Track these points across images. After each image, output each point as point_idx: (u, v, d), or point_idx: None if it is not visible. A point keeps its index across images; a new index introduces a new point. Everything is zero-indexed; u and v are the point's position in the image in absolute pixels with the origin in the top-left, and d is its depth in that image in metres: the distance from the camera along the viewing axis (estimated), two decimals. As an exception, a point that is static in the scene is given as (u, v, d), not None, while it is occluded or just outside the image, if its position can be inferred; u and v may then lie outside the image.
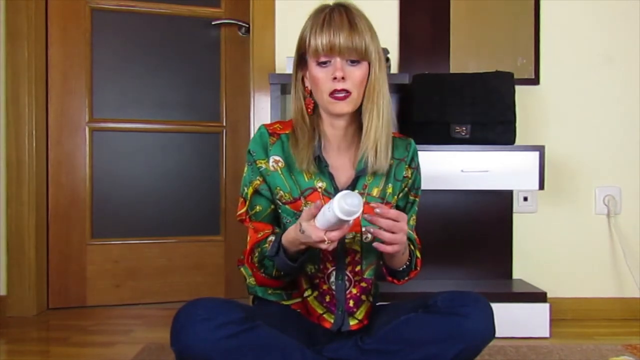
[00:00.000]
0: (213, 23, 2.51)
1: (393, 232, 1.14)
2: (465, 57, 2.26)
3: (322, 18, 1.25)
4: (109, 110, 2.45)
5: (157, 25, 2.48)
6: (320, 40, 1.23)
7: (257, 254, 1.28)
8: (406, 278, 1.36)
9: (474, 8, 2.27)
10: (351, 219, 1.07)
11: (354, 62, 1.25)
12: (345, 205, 1.05)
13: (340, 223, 1.09)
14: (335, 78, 1.24)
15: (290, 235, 1.20)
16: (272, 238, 1.27)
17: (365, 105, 1.30)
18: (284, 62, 2.17)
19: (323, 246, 1.13)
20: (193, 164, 2.54)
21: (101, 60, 2.43)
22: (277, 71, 2.23)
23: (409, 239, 1.33)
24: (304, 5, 2.16)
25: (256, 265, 1.29)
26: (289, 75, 1.96)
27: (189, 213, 2.54)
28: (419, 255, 1.38)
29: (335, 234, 1.11)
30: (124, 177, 2.47)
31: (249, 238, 1.33)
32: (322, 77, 1.26)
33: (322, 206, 1.12)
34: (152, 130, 2.49)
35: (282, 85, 2.03)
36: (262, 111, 2.24)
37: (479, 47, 2.28)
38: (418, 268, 1.38)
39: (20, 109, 2.26)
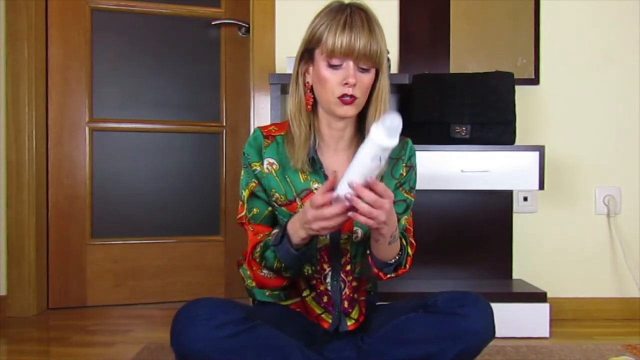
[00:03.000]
0: (213, 23, 2.51)
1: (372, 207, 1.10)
2: (465, 57, 2.26)
3: (344, 19, 1.22)
4: (109, 110, 2.45)
5: (157, 25, 2.48)
6: (340, 41, 1.21)
7: (258, 249, 1.28)
8: (392, 274, 1.30)
9: (474, 8, 2.27)
10: (393, 141, 1.05)
11: (364, 69, 1.24)
12: (384, 127, 1.03)
13: (375, 160, 1.06)
14: (347, 83, 1.22)
15: (294, 218, 1.20)
16: (276, 230, 1.27)
17: (371, 112, 1.29)
18: (284, 62, 2.17)
19: (327, 217, 1.09)
20: (193, 164, 2.54)
21: (101, 61, 2.43)
22: (277, 71, 2.23)
23: (401, 234, 1.31)
24: (304, 5, 2.17)
25: (257, 260, 1.27)
26: (289, 75, 1.96)
27: (189, 213, 2.54)
28: (410, 252, 1.34)
29: (319, 201, 1.09)
30: (124, 177, 2.47)
31: (248, 241, 1.33)
32: (332, 79, 1.23)
33: (334, 176, 1.10)
34: (152, 130, 2.49)
35: (282, 85, 2.03)
36: (262, 111, 2.24)
37: (479, 47, 2.28)
38: (407, 266, 1.33)
39: (20, 109, 2.26)
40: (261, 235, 1.30)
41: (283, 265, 1.24)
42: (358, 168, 1.08)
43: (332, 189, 1.11)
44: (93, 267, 2.43)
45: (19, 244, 2.26)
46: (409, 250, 1.34)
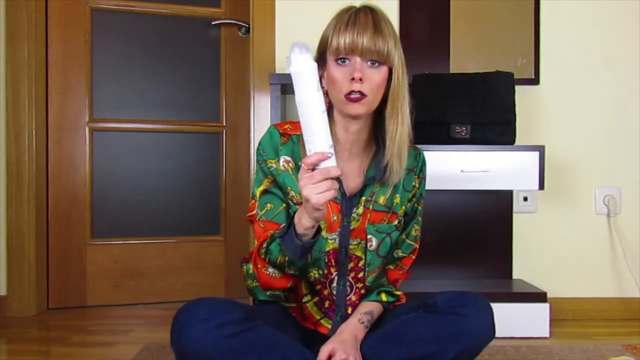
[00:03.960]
0: (213, 23, 2.51)
1: None
2: (465, 57, 2.26)
3: (347, 17, 1.23)
4: (109, 110, 2.45)
5: (157, 25, 2.48)
6: (343, 39, 1.21)
7: (264, 245, 1.23)
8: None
9: (474, 8, 2.27)
10: (304, 66, 1.02)
11: (374, 64, 1.23)
12: (298, 51, 1.02)
13: (308, 103, 1.04)
14: (353, 79, 1.21)
15: (299, 209, 1.14)
16: (284, 225, 1.22)
17: (390, 111, 1.27)
18: (284, 62, 2.17)
19: (302, 187, 1.07)
20: (193, 164, 2.54)
21: (101, 60, 2.43)
22: (277, 71, 2.23)
23: (377, 299, 1.37)
24: (304, 5, 2.18)
25: (262, 256, 1.23)
26: (289, 75, 1.97)
27: (189, 213, 2.53)
28: (398, 292, 1.41)
29: (312, 158, 1.06)
30: (124, 177, 2.47)
31: (255, 237, 1.30)
32: (339, 77, 1.23)
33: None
34: (152, 130, 2.49)
35: (282, 85, 2.03)
36: (262, 111, 2.24)
37: (479, 47, 2.28)
38: (402, 300, 1.41)
39: (20, 109, 2.26)
40: (271, 232, 1.26)
41: (287, 259, 1.18)
42: (304, 120, 1.05)
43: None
44: (93, 267, 2.42)
45: (19, 244, 2.26)
46: (396, 294, 1.40)
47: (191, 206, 2.54)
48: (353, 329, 1.28)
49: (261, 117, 2.24)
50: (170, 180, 2.51)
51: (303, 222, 1.12)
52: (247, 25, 2.47)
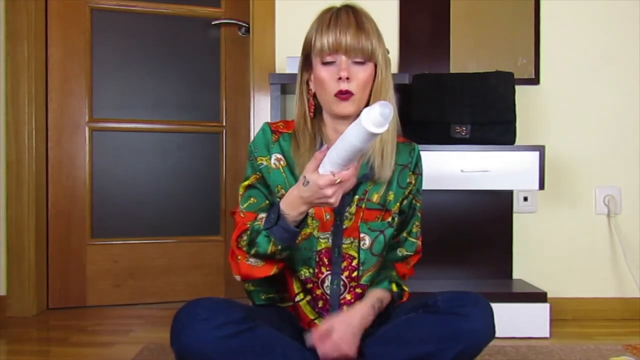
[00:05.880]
0: (213, 23, 2.51)
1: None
2: (465, 57, 2.26)
3: (329, 17, 1.24)
4: (109, 110, 2.45)
5: (157, 25, 2.48)
6: (326, 39, 1.22)
7: (245, 238, 1.23)
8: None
9: (474, 8, 2.27)
10: (381, 130, 1.04)
11: (359, 62, 1.24)
12: (379, 116, 1.02)
13: (358, 149, 1.06)
14: (340, 78, 1.22)
15: (290, 195, 1.16)
16: (262, 215, 1.22)
17: None
18: (284, 62, 2.17)
19: (329, 196, 1.10)
20: (193, 164, 2.54)
21: (101, 60, 2.43)
22: (277, 71, 2.23)
23: (388, 288, 1.36)
24: (304, 5, 2.18)
25: (244, 248, 1.22)
26: (289, 75, 1.99)
27: (189, 213, 2.54)
28: (406, 288, 1.40)
29: (346, 173, 1.10)
30: (124, 177, 2.47)
31: (235, 226, 1.29)
32: (326, 77, 1.24)
33: (327, 149, 1.11)
34: (152, 130, 2.49)
35: (282, 85, 2.03)
36: (262, 111, 2.24)
37: (479, 47, 2.28)
38: (404, 298, 1.40)
39: (20, 109, 2.26)
40: (249, 223, 1.25)
41: (279, 247, 1.19)
42: (344, 152, 1.08)
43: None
44: (93, 267, 2.43)
45: (18, 244, 2.26)
46: (405, 288, 1.40)
47: (191, 206, 2.54)
48: (364, 317, 1.27)
49: (261, 117, 2.24)
50: (170, 180, 2.51)
51: (300, 208, 1.16)
52: (247, 25, 2.47)
